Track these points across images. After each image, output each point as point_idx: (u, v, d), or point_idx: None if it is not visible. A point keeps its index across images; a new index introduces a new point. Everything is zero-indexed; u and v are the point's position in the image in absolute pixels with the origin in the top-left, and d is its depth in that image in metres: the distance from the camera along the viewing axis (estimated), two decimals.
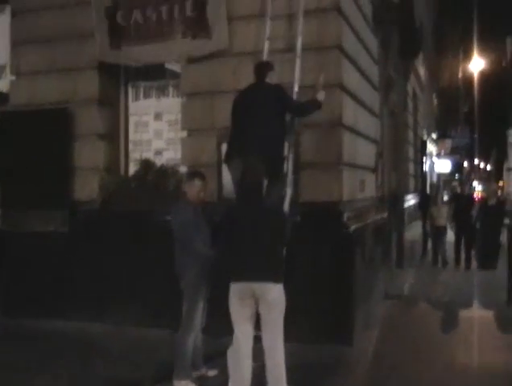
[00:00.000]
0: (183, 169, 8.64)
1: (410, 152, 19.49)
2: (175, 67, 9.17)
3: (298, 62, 7.20)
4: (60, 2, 9.34)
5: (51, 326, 8.48)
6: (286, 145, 6.84)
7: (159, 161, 9.18)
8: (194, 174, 6.56)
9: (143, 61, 8.87)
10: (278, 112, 6.53)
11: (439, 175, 36.84)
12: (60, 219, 9.02)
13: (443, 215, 15.32)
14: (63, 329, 8.39)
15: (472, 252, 14.91)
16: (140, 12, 8.70)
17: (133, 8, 8.74)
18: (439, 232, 15.33)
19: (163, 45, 8.62)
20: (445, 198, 18.57)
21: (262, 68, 6.98)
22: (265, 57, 7.52)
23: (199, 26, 8.36)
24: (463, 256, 15.10)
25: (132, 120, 9.61)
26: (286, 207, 6.63)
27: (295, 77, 7.21)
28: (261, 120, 6.41)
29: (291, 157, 6.89)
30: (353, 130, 8.71)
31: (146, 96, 9.53)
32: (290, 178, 6.87)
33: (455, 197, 17.11)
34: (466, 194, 17.36)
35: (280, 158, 6.65)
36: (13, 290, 9.15)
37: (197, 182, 6.34)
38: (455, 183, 33.28)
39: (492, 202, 14.67)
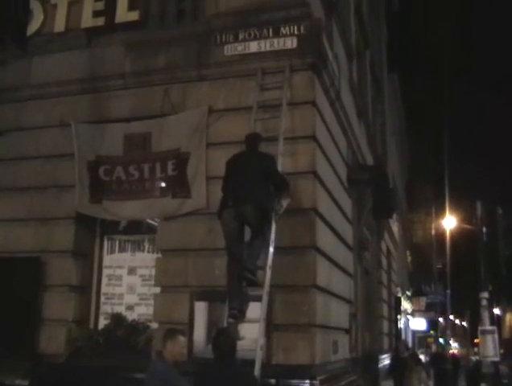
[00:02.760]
0: (154, 325, 8.49)
1: (385, 310, 19.42)
2: (152, 221, 9.26)
3: (273, 225, 7.30)
4: (43, 152, 9.58)
5: None
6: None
7: (131, 316, 9.04)
8: (175, 331, 6.39)
9: (122, 217, 9.03)
10: (266, 175, 7.22)
11: (415, 332, 36.53)
12: (23, 370, 8.65)
13: (420, 381, 13.32)
14: None
15: None
16: (123, 169, 8.92)
17: (116, 164, 8.96)
18: None
19: (143, 202, 8.79)
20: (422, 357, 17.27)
21: (254, 139, 7.68)
22: None
23: (179, 185, 8.58)
24: None
25: (105, 272, 9.56)
26: (257, 371, 6.47)
27: (271, 237, 7.28)
28: (253, 178, 7.07)
29: (262, 319, 6.80)
30: (327, 291, 8.71)
31: (122, 249, 9.55)
32: (261, 341, 6.75)
33: (434, 358, 15.78)
34: (449, 355, 15.06)
35: (268, 208, 7.17)
36: None
37: (181, 339, 6.22)
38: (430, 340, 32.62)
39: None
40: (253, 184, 7.07)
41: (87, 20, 9.77)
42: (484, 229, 20.62)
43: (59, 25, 9.94)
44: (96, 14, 9.73)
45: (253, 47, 8.65)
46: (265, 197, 7.14)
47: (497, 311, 64.77)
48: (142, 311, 9.14)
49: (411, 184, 40.25)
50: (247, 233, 7.24)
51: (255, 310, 6.92)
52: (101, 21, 9.70)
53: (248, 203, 6.96)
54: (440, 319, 49.61)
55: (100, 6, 9.76)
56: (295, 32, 8.53)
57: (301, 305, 7.77)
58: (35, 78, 9.89)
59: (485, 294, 14.54)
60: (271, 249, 7.13)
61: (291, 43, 8.50)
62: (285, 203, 7.32)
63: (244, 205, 6.96)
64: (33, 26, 9.93)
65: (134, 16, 9.53)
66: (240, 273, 6.89)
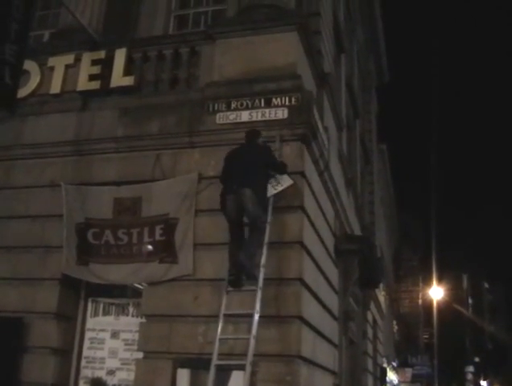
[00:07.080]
0: None
1: (370, 381, 19.17)
2: (137, 285, 9.20)
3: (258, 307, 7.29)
4: (31, 212, 9.56)
5: None
6: None
7: (111, 381, 8.90)
8: None
9: (109, 280, 8.90)
10: (264, 163, 7.97)
11: None
12: None
13: None
14: None
15: None
16: (111, 233, 8.89)
17: (105, 228, 8.94)
18: None
19: (130, 267, 8.74)
20: None
21: (253, 134, 8.29)
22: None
23: (166, 250, 8.57)
24: None
25: (88, 335, 9.43)
26: None
27: (256, 306, 7.25)
28: (252, 167, 7.74)
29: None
30: (311, 362, 8.62)
31: (106, 312, 9.46)
32: None
33: None
34: None
35: (263, 198, 7.84)
36: None
37: None
38: None
39: None
40: (252, 172, 7.71)
41: (83, 83, 9.94)
42: (470, 301, 20.58)
43: (56, 87, 10.08)
44: (92, 77, 9.91)
45: (245, 116, 8.81)
46: (261, 185, 7.83)
47: (484, 384, 63.94)
48: (123, 376, 8.99)
49: (399, 254, 40.30)
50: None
51: (238, 380, 6.83)
52: (96, 84, 9.87)
53: (246, 186, 7.56)
54: None
55: (96, 69, 9.95)
56: (287, 103, 8.70)
57: (285, 375, 7.67)
58: (28, 138, 9.96)
59: (470, 368, 14.41)
60: (256, 317, 7.10)
61: (282, 113, 8.66)
62: (285, 183, 8.03)
63: (243, 188, 7.55)
64: (29, 87, 10.10)
65: (129, 81, 9.72)
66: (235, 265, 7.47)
